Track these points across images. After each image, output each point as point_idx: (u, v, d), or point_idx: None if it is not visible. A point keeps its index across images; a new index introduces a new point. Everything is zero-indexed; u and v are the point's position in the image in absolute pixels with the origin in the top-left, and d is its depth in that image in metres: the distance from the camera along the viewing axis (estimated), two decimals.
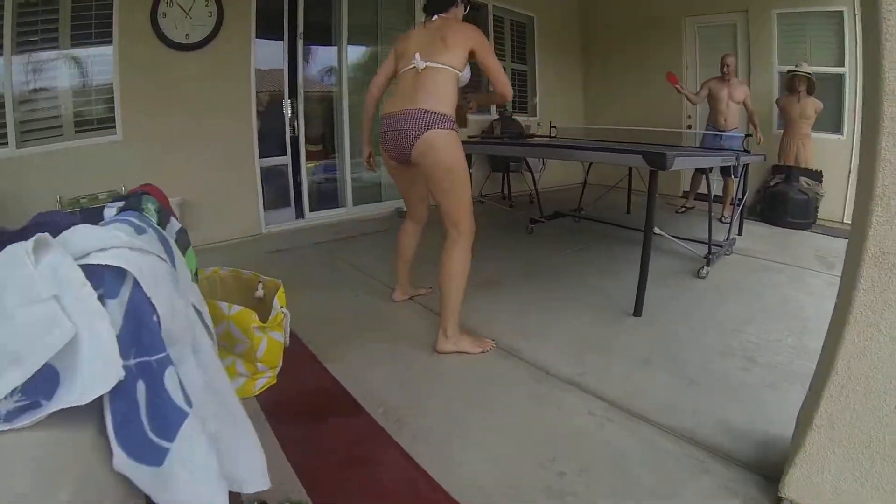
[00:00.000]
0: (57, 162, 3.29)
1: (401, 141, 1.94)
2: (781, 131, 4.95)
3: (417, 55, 1.93)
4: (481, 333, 2.17)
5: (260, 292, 1.98)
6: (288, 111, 4.29)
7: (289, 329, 1.89)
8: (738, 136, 4.48)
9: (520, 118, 5.68)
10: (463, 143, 3.36)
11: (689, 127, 5.68)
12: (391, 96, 2.07)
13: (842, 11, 4.80)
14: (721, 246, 3.22)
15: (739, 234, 3.95)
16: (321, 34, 4.50)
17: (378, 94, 2.24)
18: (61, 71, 3.37)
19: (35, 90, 3.29)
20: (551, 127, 4.48)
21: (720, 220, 4.35)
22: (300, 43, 4.39)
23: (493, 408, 1.64)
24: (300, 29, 4.37)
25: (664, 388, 1.76)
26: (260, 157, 4.13)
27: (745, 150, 3.40)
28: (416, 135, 1.89)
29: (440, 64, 1.92)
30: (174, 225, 1.24)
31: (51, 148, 3.31)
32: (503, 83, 2.03)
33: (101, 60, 3.48)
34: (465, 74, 2.00)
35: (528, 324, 2.32)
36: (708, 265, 2.94)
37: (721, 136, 4.53)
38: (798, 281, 2.98)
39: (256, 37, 4.04)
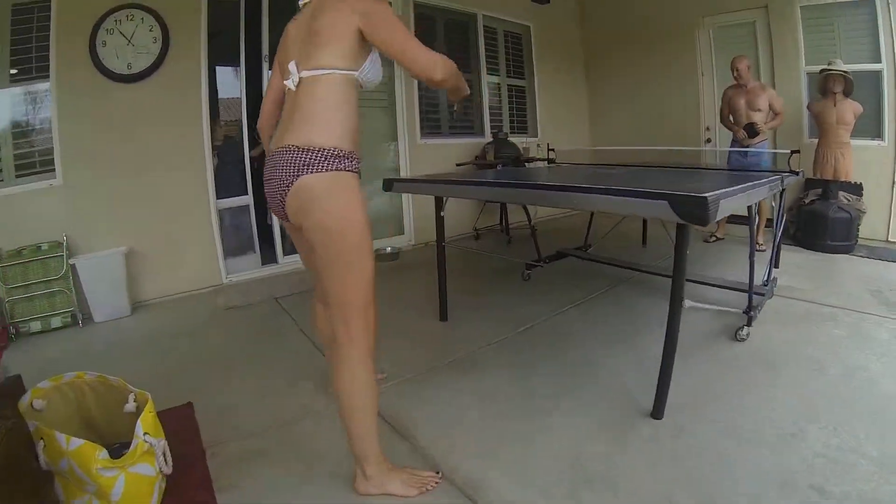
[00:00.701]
0: None
1: (273, 194, 1.35)
2: (815, 140, 4.32)
3: (293, 63, 1.33)
4: (432, 452, 1.60)
5: (131, 405, 1.47)
6: (248, 145, 3.82)
7: (163, 457, 1.37)
8: (765, 150, 3.88)
9: (518, 139, 5.12)
10: (442, 181, 2.65)
11: (709, 141, 5.06)
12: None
13: (873, 0, 4.20)
14: (763, 294, 2.57)
15: (776, 265, 3.32)
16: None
17: (268, 123, 1.59)
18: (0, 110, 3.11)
19: None
20: (549, 150, 3.89)
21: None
22: (265, 66, 3.95)
23: None
24: (265, 52, 3.94)
25: None
26: (217, 198, 3.67)
27: (793, 172, 2.73)
28: (285, 186, 1.29)
29: (317, 70, 1.28)
30: None
31: None
32: (420, 63, 1.26)
33: (41, 97, 3.17)
34: (370, 72, 1.36)
35: (501, 437, 1.69)
36: (749, 324, 2.30)
37: (746, 152, 3.90)
38: (859, 334, 2.36)
39: (210, 63, 3.62)
